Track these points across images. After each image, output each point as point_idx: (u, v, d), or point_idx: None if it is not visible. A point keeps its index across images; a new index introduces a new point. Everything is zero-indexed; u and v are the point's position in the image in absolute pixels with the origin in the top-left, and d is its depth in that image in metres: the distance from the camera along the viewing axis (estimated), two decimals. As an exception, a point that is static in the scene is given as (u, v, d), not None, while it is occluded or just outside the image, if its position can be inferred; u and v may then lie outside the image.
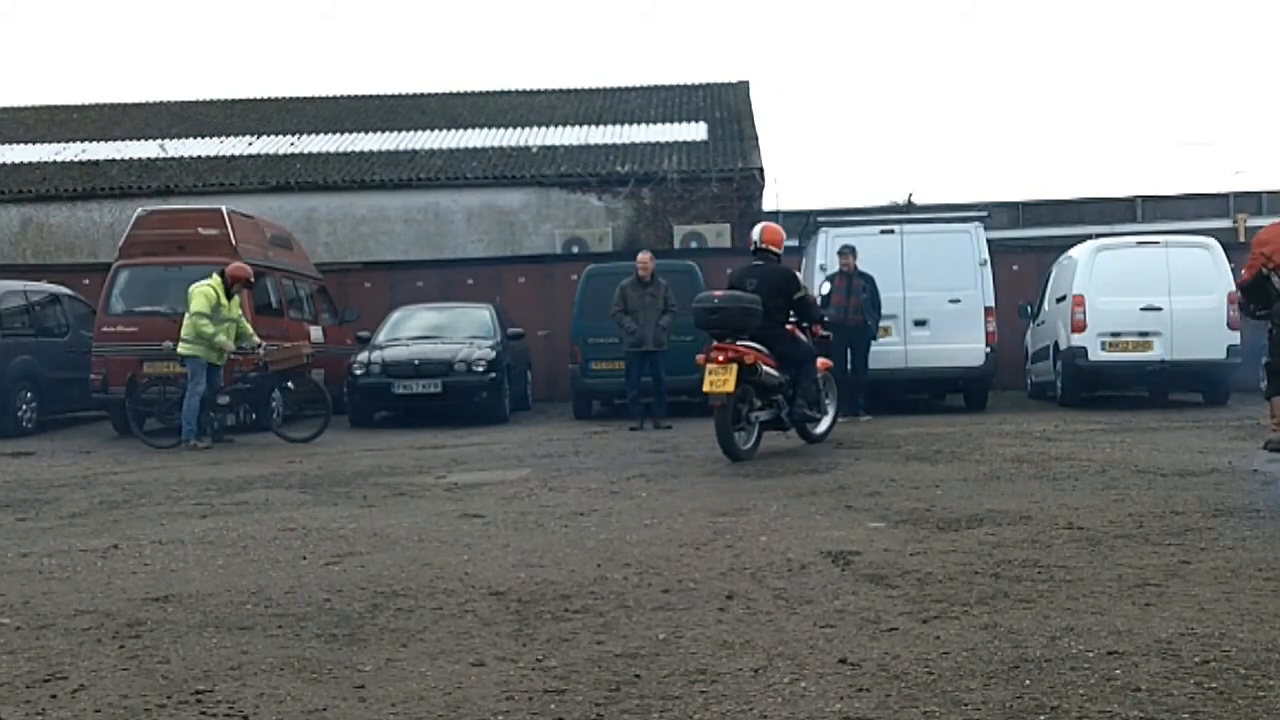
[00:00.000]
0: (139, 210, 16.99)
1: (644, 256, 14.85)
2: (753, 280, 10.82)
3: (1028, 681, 3.72)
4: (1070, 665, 3.87)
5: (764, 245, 11.20)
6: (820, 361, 11.49)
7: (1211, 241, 15.80)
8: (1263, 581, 5.01)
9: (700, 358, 10.30)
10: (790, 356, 10.80)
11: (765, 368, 10.40)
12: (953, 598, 4.90)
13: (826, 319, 14.36)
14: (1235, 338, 15.08)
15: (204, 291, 13.32)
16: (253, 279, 13.86)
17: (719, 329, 10.39)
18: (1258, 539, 5.94)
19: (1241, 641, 4.09)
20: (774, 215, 27.28)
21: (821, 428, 11.55)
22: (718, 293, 10.86)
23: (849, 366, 14.54)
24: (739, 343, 10.26)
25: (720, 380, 9.92)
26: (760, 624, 4.61)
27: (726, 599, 5.04)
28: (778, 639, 4.37)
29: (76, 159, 27.78)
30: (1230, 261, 15.39)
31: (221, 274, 13.65)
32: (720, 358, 10.04)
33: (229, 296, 13.54)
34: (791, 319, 11.03)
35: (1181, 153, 69.66)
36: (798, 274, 11.37)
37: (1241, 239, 24.07)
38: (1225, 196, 27.51)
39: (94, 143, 28.83)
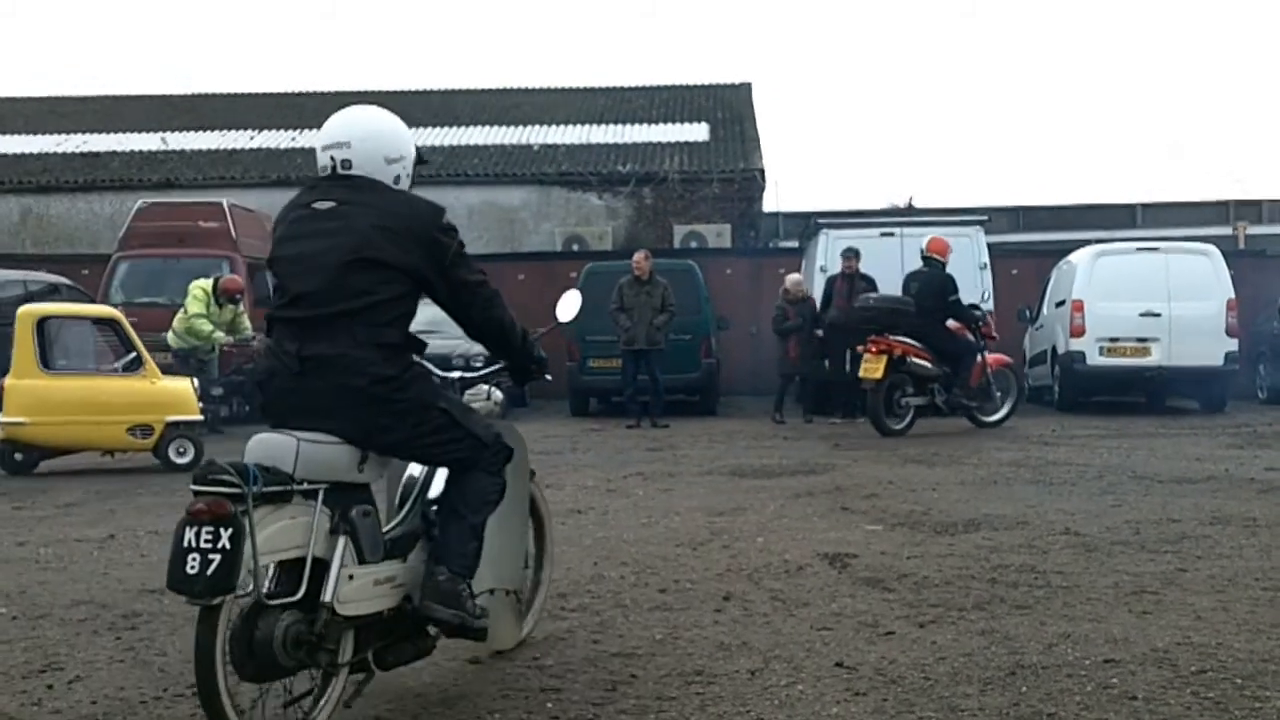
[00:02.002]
0: (139, 202, 17.01)
1: (639, 256, 14.81)
2: (915, 284, 12.75)
3: (1024, 688, 3.72)
4: (1066, 672, 3.88)
5: (929, 254, 12.93)
6: (994, 358, 13.07)
7: (1211, 248, 15.79)
8: (1259, 591, 5.01)
9: (860, 348, 12.38)
10: (947, 351, 12.42)
11: (916, 360, 12.16)
12: (949, 602, 4.91)
13: (830, 320, 14.44)
14: (1234, 345, 15.08)
15: (197, 295, 13.30)
16: (241, 295, 13.71)
17: (873, 325, 12.34)
18: (1254, 548, 5.95)
19: (1238, 651, 4.09)
20: (774, 217, 27.31)
21: (992, 417, 12.85)
22: (874, 295, 12.98)
23: (848, 369, 14.53)
24: (894, 338, 12.10)
25: (872, 368, 11.98)
26: (757, 626, 4.61)
27: (723, 600, 5.04)
28: (774, 641, 4.37)
29: (77, 150, 27.76)
30: (1230, 269, 15.40)
31: (216, 281, 13.61)
32: (873, 349, 12.05)
33: (219, 305, 13.47)
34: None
35: (1181, 160, 69.79)
36: (954, 279, 12.84)
37: (1241, 246, 24.08)
38: (1225, 204, 27.50)
39: (95, 134, 28.80)
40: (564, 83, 33.64)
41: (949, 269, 13.04)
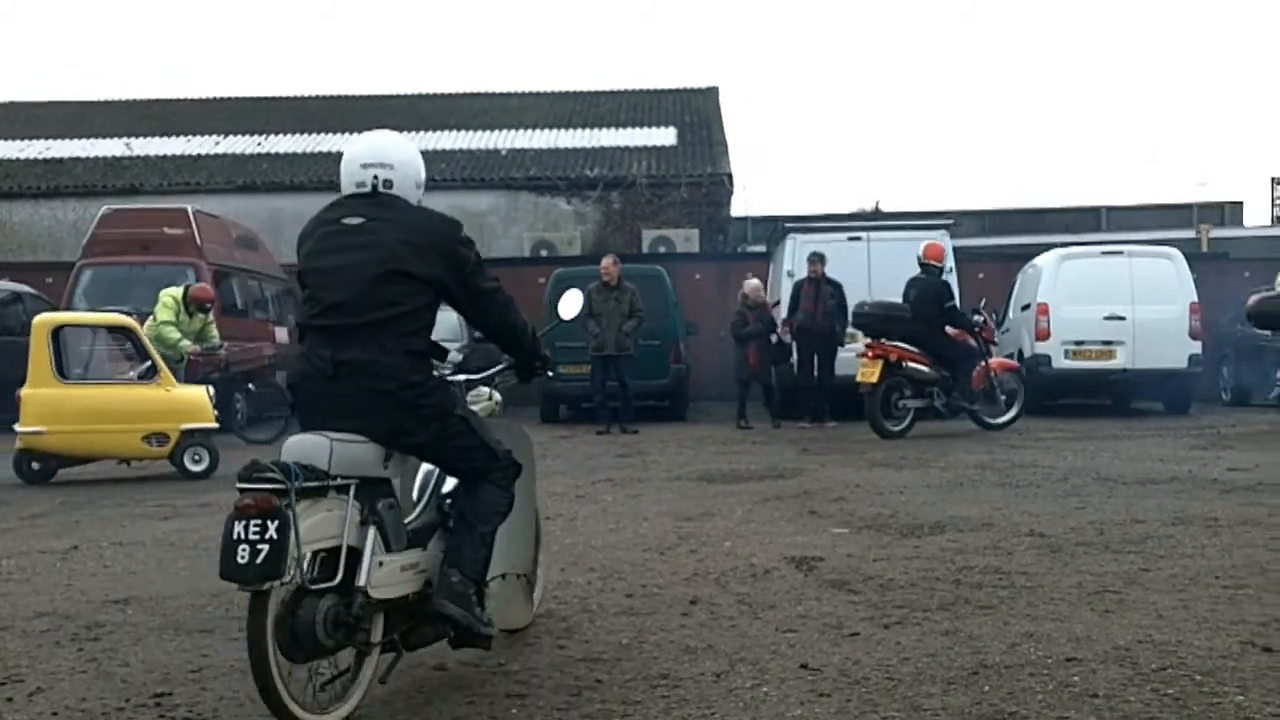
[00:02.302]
0: (103, 209, 16.86)
1: (607, 261, 14.78)
2: (913, 290, 13.06)
3: (987, 687, 3.75)
4: (1029, 671, 3.91)
5: (926, 260, 13.23)
6: (999, 362, 13.49)
7: (1174, 252, 15.97)
8: (1220, 589, 5.06)
9: (856, 354, 12.98)
10: (945, 356, 12.72)
11: (913, 364, 12.53)
12: (914, 604, 4.93)
13: (797, 324, 14.49)
14: (1197, 347, 15.24)
15: (166, 304, 13.19)
16: (211, 304, 13.60)
17: (869, 331, 12.92)
18: (1216, 547, 6.01)
19: (1198, 649, 4.13)
20: (743, 221, 27.37)
21: (998, 420, 13.09)
22: (869, 301, 13.32)
23: (815, 373, 14.60)
24: (889, 343, 12.57)
25: (868, 372, 12.41)
26: (723, 629, 4.62)
27: (690, 604, 5.05)
28: (740, 644, 4.38)
29: (40, 156, 27.53)
30: (1193, 272, 15.55)
31: (186, 289, 13.51)
32: (870, 354, 12.52)
33: (189, 314, 13.36)
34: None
35: (1151, 165, 70.35)
36: (952, 287, 13.24)
37: (1204, 249, 24.31)
38: (1189, 207, 27.79)
39: (59, 140, 28.56)
40: (532, 87, 33.58)
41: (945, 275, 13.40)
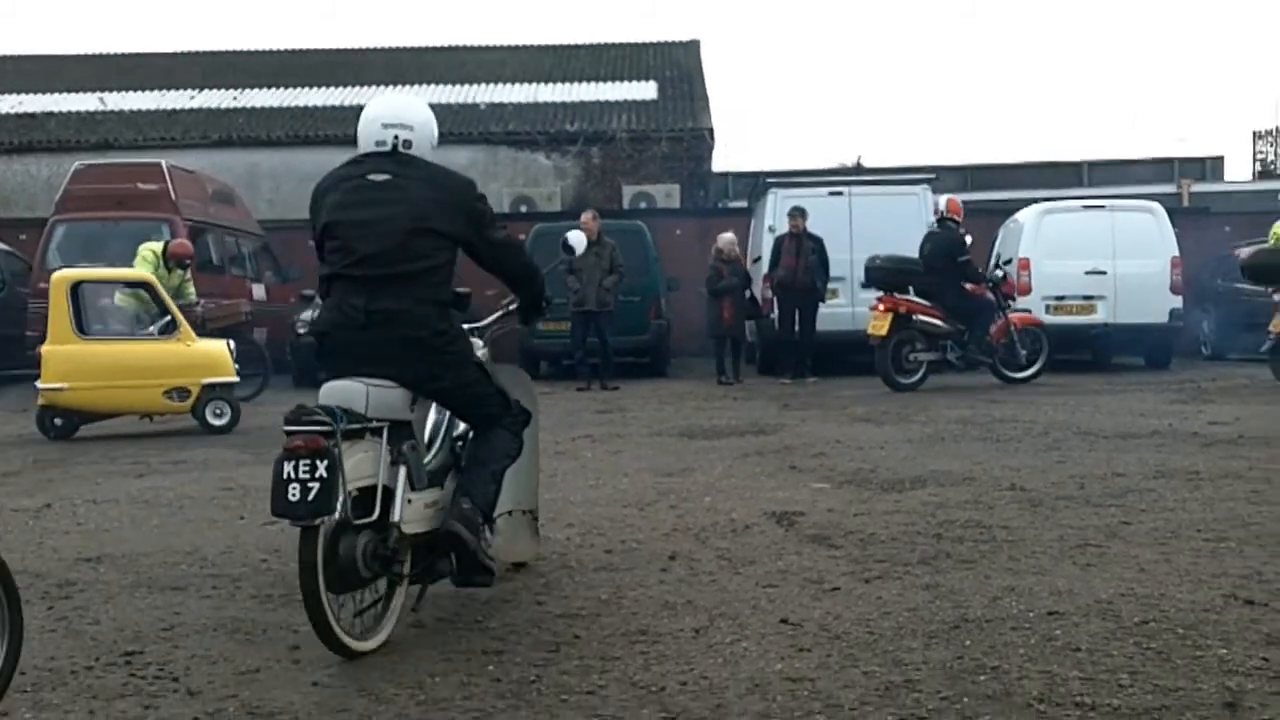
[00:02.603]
0: (76, 164, 16.63)
1: (586, 216, 14.65)
2: (928, 244, 13.09)
3: (968, 642, 3.72)
4: (1011, 625, 3.87)
5: (947, 214, 13.22)
6: (1020, 316, 13.45)
7: (1155, 206, 15.93)
8: (1201, 542, 5.04)
9: (870, 307, 12.99)
10: (958, 310, 12.78)
11: (923, 317, 12.68)
12: (895, 558, 4.90)
13: (778, 280, 14.40)
14: (1178, 302, 15.25)
15: (146, 258, 13.03)
16: (190, 260, 13.44)
17: (880, 285, 12.96)
18: (1197, 501, 5.99)
19: (1180, 602, 4.11)
20: (724, 177, 27.21)
21: (1019, 374, 13.12)
22: (881, 255, 13.20)
23: (796, 328, 14.55)
24: (899, 296, 12.71)
25: (878, 325, 12.60)
26: (703, 584, 4.58)
27: (669, 559, 5.01)
28: (720, 599, 4.34)
29: (12, 111, 27.12)
30: (1174, 227, 15.53)
31: (165, 245, 13.34)
32: (880, 308, 12.68)
33: (168, 269, 13.20)
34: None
35: (1127, 129, 70.28)
36: (967, 240, 13.12)
37: (1185, 204, 24.29)
38: (1170, 162, 27.73)
39: (31, 94, 28.13)
40: (510, 40, 33.25)
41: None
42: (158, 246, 13.08)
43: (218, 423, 10.59)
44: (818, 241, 14.47)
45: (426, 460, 4.23)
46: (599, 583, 4.65)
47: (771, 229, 15.29)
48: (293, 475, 3.52)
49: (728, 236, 15.15)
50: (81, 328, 10.40)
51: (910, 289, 12.95)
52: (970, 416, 10.00)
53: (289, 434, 3.62)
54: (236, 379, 10.89)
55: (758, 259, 15.97)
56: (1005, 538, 5.23)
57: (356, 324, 3.95)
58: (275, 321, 16.63)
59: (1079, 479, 6.71)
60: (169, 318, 10.60)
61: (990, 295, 13.16)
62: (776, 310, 14.85)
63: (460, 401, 4.25)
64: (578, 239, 5.19)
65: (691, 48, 30.75)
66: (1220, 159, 28.70)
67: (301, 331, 15.64)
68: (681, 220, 21.06)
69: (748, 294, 14.94)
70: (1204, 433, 8.55)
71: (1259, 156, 31.59)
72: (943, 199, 13.91)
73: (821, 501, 6.27)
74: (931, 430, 9.16)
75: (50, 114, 26.92)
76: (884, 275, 13.04)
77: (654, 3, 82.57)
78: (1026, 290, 15.13)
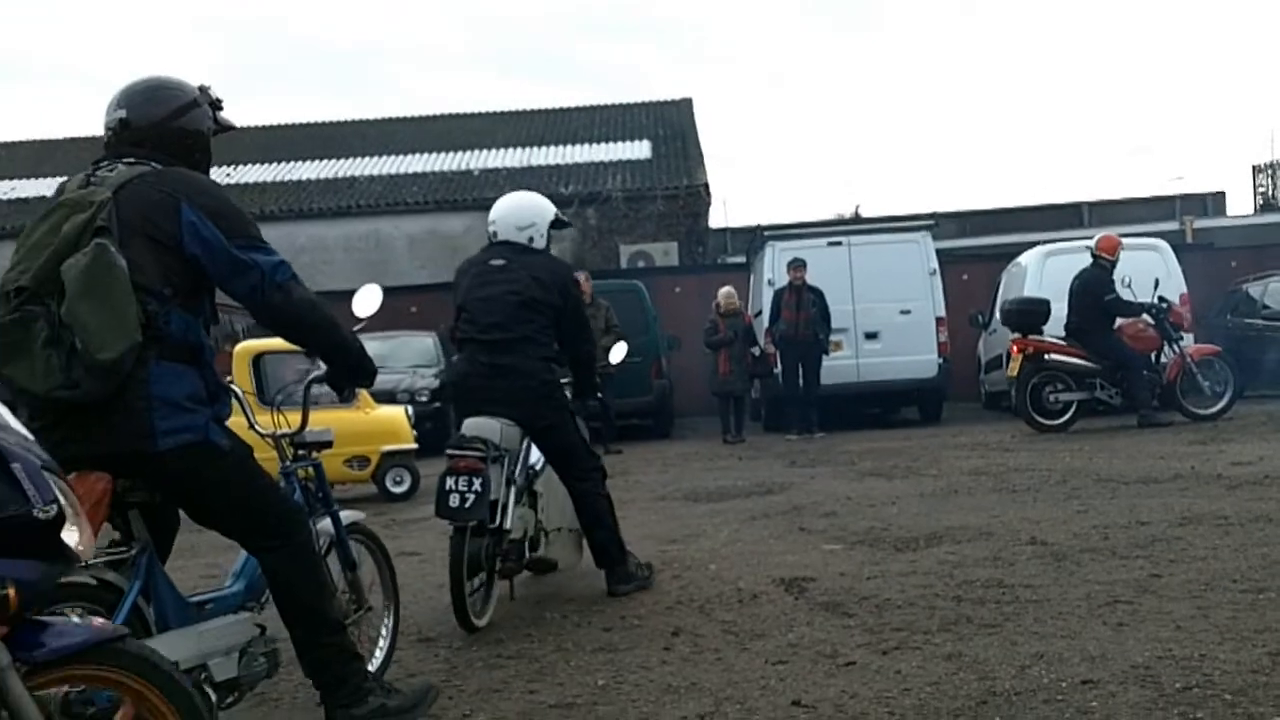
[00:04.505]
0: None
1: (580, 277, 14.40)
2: (1076, 281, 12.81)
3: (997, 718, 3.40)
4: (1042, 698, 3.56)
5: (1096, 252, 12.80)
6: (1198, 348, 12.98)
7: (1161, 243, 15.68)
8: (1238, 594, 4.72)
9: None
10: (1101, 350, 12.38)
11: (1059, 356, 12.47)
12: (913, 625, 4.58)
13: (779, 334, 14.13)
14: (1189, 339, 14.92)
15: None
16: None
17: (1010, 325, 13.09)
18: (1229, 548, 5.67)
19: (1223, 663, 3.79)
20: (722, 233, 27.05)
21: (1207, 410, 12.44)
22: (1012, 297, 13.58)
23: (800, 382, 14.28)
24: (1031, 337, 12.58)
25: (1011, 367, 12.67)
26: (708, 663, 4.27)
27: (672, 636, 4.70)
28: (726, 680, 4.03)
29: (4, 197, 27.08)
30: (1180, 263, 15.27)
31: None
32: (1014, 349, 12.66)
33: None
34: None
35: (1125, 159, 70.38)
36: (1113, 280, 12.58)
37: (1189, 240, 24.06)
38: (1171, 200, 27.54)
39: (23, 180, 28.12)
40: (502, 106, 33.27)
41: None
42: None
43: (398, 490, 10.54)
44: (818, 294, 14.22)
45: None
46: (596, 666, 4.34)
47: (771, 282, 15.05)
48: (454, 487, 4.76)
49: (726, 290, 14.93)
50: (263, 398, 10.21)
51: (1043, 329, 12.72)
52: (983, 467, 9.69)
53: (451, 456, 4.85)
54: (415, 445, 10.73)
55: (758, 313, 15.72)
56: (1029, 597, 4.91)
57: (484, 375, 5.20)
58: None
59: (1102, 529, 6.39)
60: None
61: (1153, 332, 12.52)
62: (779, 365, 14.57)
63: (554, 441, 5.35)
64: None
65: (684, 106, 30.74)
66: (1221, 194, 28.53)
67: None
68: (680, 278, 20.87)
69: (756, 350, 14.67)
70: (1228, 474, 8.22)
71: (1259, 190, 31.37)
72: (1096, 235, 13.43)
73: (833, 564, 5.96)
74: (944, 483, 8.85)
75: (43, 198, 26.82)
76: (1009, 316, 13.09)
77: (647, 64, 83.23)
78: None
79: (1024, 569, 5.50)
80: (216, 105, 3.53)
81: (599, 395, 6.15)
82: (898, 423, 16.12)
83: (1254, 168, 31.53)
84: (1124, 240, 15.84)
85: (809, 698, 3.75)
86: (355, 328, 4.01)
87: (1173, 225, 25.19)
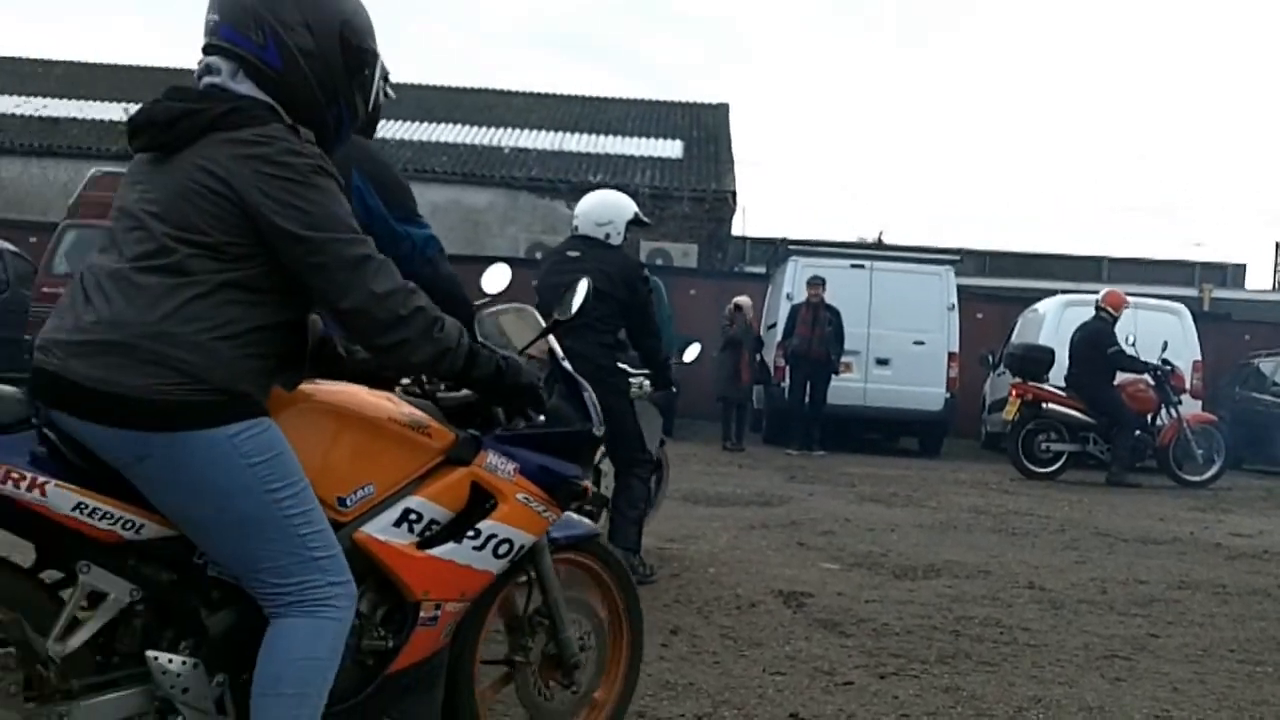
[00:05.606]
0: (94, 170, 16.45)
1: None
2: (1078, 333, 12.78)
3: (994, 757, 3.40)
4: (1040, 743, 3.56)
5: (1101, 305, 12.75)
6: (1195, 415, 12.92)
7: (1181, 308, 15.68)
8: (1235, 664, 4.73)
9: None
10: (1099, 403, 12.28)
11: (1055, 405, 12.41)
12: (911, 653, 4.59)
13: (792, 349, 14.13)
14: (1196, 407, 14.92)
15: None
16: None
17: (1013, 369, 13.22)
18: (1226, 617, 5.67)
19: (1221, 731, 3.79)
20: (742, 241, 27.04)
21: (1196, 477, 12.43)
22: (1019, 343, 13.68)
23: (807, 399, 14.27)
24: (1031, 384, 12.55)
25: (1008, 411, 12.64)
26: (705, 665, 4.27)
27: (670, 634, 4.70)
28: (724, 684, 4.03)
29: (36, 114, 27.02)
30: (1198, 331, 15.28)
31: None
32: (1013, 394, 12.63)
33: None
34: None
35: (1145, 221, 70.37)
36: (1116, 333, 12.54)
37: (1206, 309, 24.05)
38: (1191, 265, 27.56)
39: (56, 99, 28.06)
40: (538, 87, 33.20)
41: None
42: None
43: None
44: (835, 313, 14.21)
45: None
46: (594, 654, 4.33)
47: (789, 296, 15.02)
48: None
49: (744, 299, 15.02)
50: None
51: (1046, 377, 12.66)
52: (983, 506, 9.68)
53: None
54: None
55: (772, 325, 15.70)
56: (1027, 640, 4.92)
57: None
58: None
59: (1100, 582, 6.40)
60: None
61: (1153, 393, 12.46)
62: (788, 379, 14.56)
63: (609, 424, 5.24)
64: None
65: (720, 110, 30.69)
66: (1242, 266, 28.57)
67: None
68: (698, 280, 20.81)
69: (759, 358, 14.69)
70: (1227, 544, 8.22)
71: (1280, 266, 31.40)
72: (1102, 290, 13.35)
73: (831, 583, 5.96)
74: (944, 517, 8.85)
75: (74, 120, 26.81)
76: (1015, 361, 13.21)
77: (689, 59, 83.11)
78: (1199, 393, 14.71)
79: (1022, 612, 5.51)
80: None
81: (674, 388, 6.31)
82: (897, 451, 16.10)
83: (1277, 244, 31.55)
84: (1146, 301, 15.91)
85: (806, 712, 3.75)
86: (478, 302, 4.08)
87: (1191, 291, 25.17)
